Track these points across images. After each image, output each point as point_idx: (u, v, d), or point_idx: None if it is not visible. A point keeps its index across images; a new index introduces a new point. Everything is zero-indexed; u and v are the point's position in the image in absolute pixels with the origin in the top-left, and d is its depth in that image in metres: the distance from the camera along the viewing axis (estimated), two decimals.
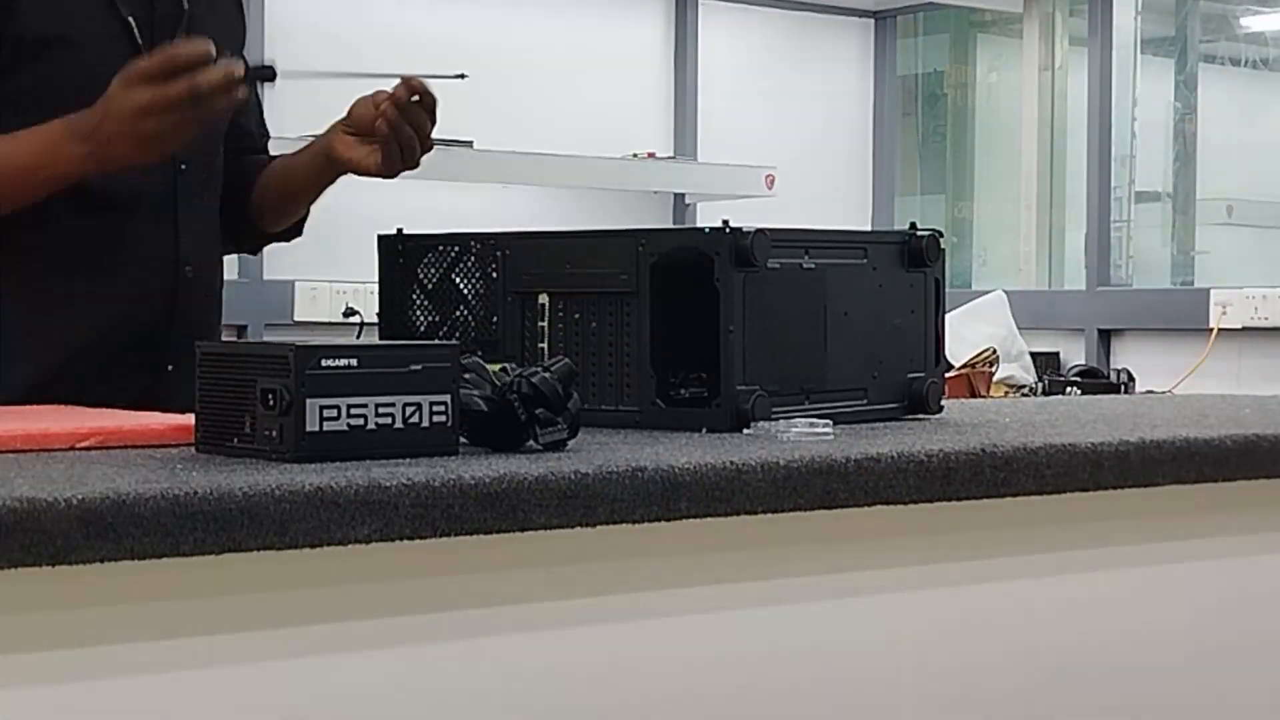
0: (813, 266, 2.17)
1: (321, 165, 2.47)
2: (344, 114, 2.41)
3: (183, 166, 2.40)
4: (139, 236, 2.37)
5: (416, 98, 2.34)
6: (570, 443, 1.81)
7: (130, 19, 2.34)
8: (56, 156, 2.19)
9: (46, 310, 2.33)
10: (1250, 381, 5.49)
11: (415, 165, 2.38)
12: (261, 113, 2.66)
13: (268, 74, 2.20)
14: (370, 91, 2.36)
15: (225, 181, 2.54)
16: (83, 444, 1.78)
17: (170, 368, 2.36)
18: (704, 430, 2.04)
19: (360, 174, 2.41)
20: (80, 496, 1.38)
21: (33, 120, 2.23)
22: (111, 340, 2.35)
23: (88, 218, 2.32)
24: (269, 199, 2.58)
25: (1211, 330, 5.61)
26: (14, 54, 2.27)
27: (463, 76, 2.40)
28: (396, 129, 2.34)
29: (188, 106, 2.11)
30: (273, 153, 2.64)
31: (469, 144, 5.40)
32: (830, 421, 2.02)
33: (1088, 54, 6.12)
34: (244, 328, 5.20)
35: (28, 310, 2.32)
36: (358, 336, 2.46)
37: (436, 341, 2.22)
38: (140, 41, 2.33)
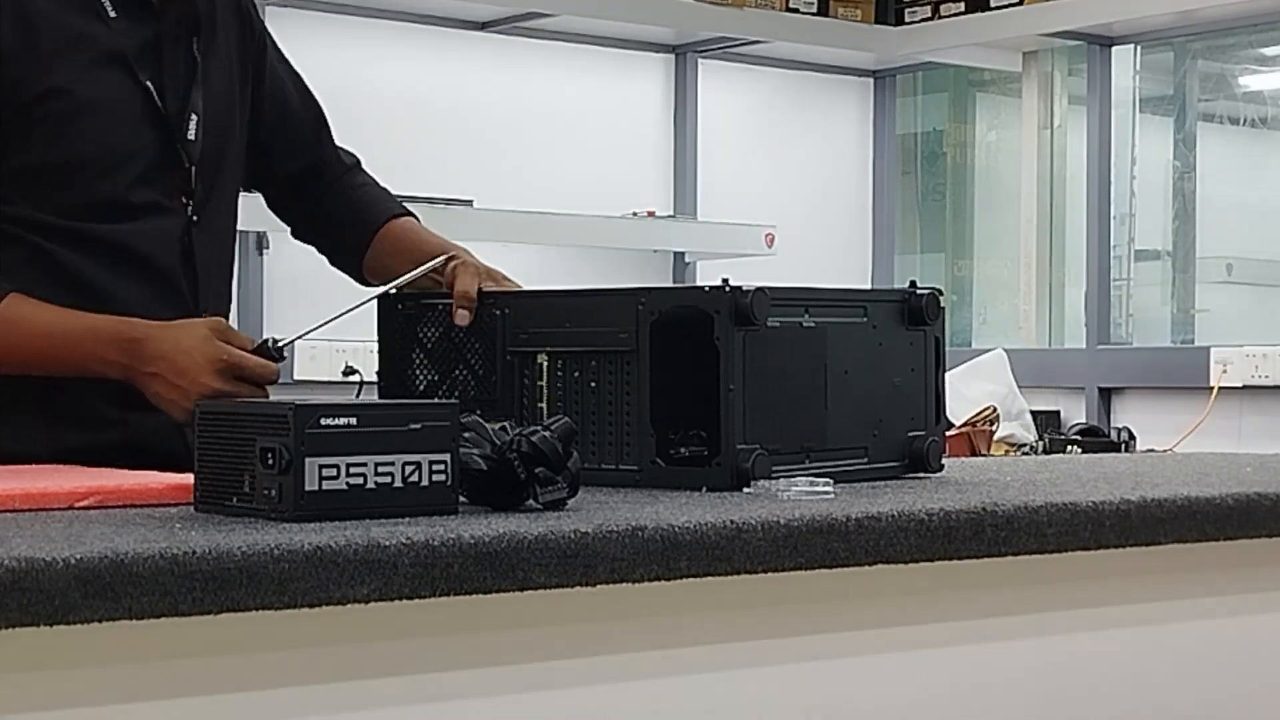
0: (813, 325, 2.17)
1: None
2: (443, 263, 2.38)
3: (195, 219, 2.39)
4: (158, 291, 2.36)
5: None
6: (570, 502, 1.81)
7: (149, 83, 2.33)
8: (91, 350, 2.22)
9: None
10: (1251, 440, 5.48)
11: None
12: (330, 138, 2.66)
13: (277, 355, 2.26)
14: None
15: (334, 214, 2.60)
16: (81, 503, 1.78)
17: None
18: (704, 489, 2.04)
19: None
20: (78, 556, 1.38)
21: (57, 194, 2.25)
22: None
23: (105, 272, 2.32)
24: (378, 268, 2.58)
25: (1212, 389, 5.61)
26: (16, 116, 2.26)
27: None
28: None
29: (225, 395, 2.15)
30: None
31: (469, 203, 5.41)
32: (831, 480, 2.01)
33: (1087, 113, 6.14)
34: None
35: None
36: (357, 395, 2.45)
37: (436, 400, 2.22)
38: (160, 104, 2.34)
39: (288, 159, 2.60)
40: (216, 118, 2.41)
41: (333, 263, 2.67)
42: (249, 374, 2.17)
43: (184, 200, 2.38)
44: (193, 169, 2.37)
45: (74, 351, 2.22)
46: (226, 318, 2.46)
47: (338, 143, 2.67)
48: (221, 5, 2.46)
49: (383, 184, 2.68)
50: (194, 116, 2.37)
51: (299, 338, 2.26)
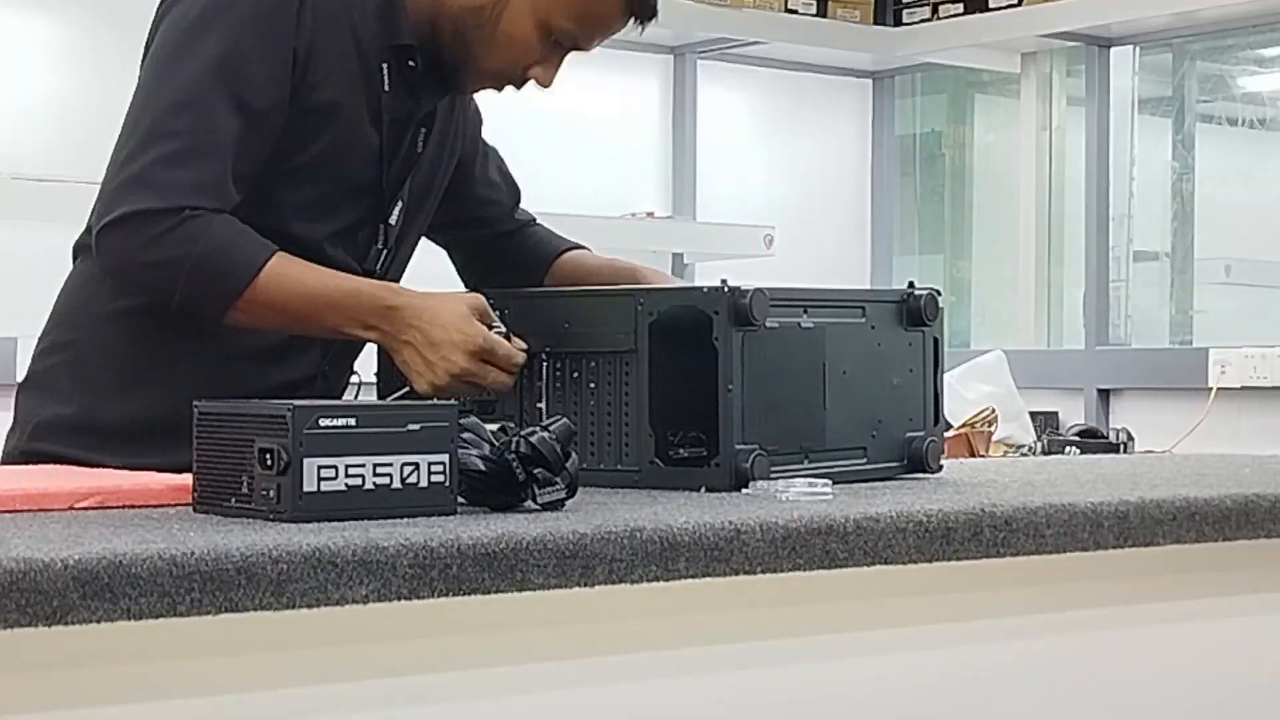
0: (811, 325, 2.17)
1: None
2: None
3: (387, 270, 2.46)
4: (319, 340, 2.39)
5: None
6: (568, 502, 1.81)
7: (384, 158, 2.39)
8: (351, 313, 2.23)
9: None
10: (1249, 441, 5.48)
11: None
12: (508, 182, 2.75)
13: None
14: None
15: (510, 258, 2.66)
16: (81, 504, 1.78)
17: None
18: (703, 490, 2.04)
19: None
20: (77, 557, 1.38)
21: (274, 205, 2.29)
22: None
23: None
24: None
25: (1210, 390, 5.60)
26: (301, 124, 2.30)
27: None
28: None
29: (475, 388, 2.18)
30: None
31: None
32: (829, 481, 2.01)
33: (1085, 114, 6.14)
34: None
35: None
36: (355, 396, 2.46)
37: (434, 401, 2.22)
38: (384, 180, 2.40)
39: (482, 227, 2.70)
40: (413, 212, 2.48)
41: None
42: (499, 358, 2.18)
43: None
44: (385, 251, 2.44)
45: (335, 312, 2.23)
46: (349, 375, 2.51)
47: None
48: (456, 105, 2.55)
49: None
50: (400, 202, 2.44)
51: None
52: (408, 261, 2.55)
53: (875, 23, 6.33)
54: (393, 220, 2.43)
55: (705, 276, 6.14)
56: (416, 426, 1.73)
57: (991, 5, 6.09)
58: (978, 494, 2.04)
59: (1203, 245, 6.22)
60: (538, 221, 2.77)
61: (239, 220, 2.23)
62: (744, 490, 2.03)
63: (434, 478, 1.73)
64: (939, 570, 1.87)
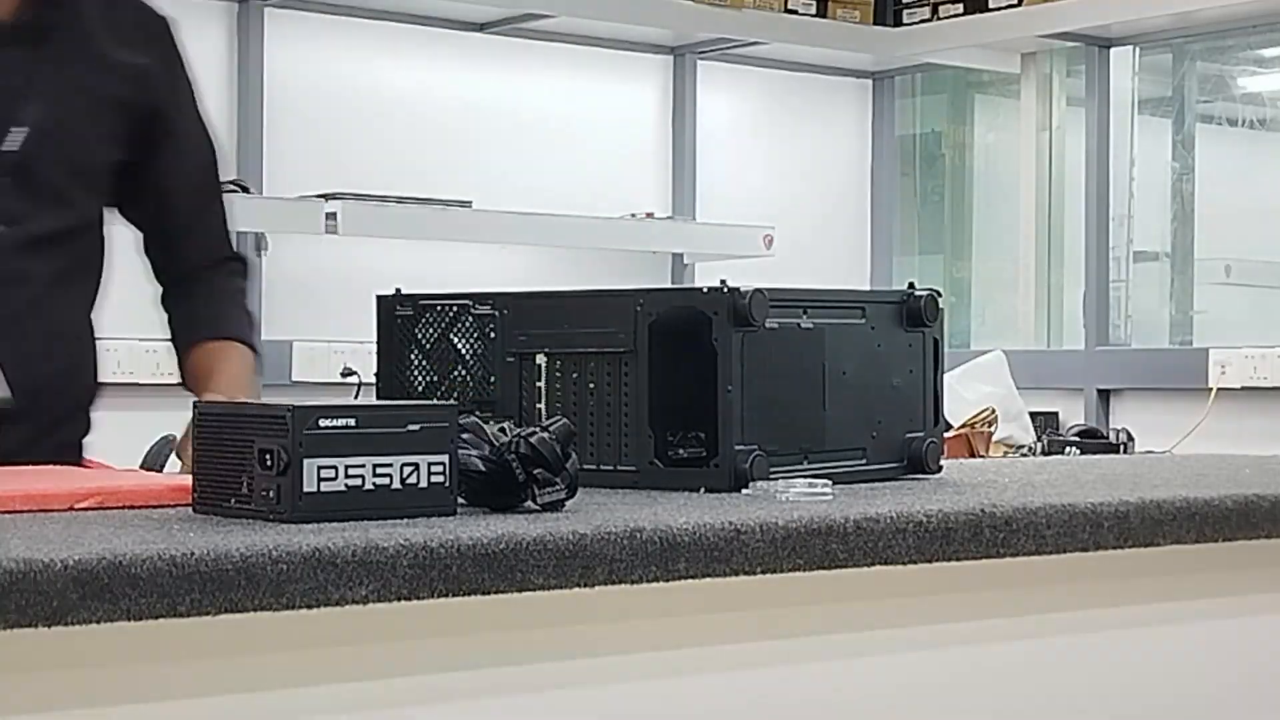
0: (811, 326, 2.17)
1: None
2: None
3: (1, 228, 2.30)
4: None
5: None
6: (568, 503, 1.81)
7: None
8: None
9: None
10: (1249, 441, 5.47)
11: None
12: (225, 227, 2.59)
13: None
14: None
15: (196, 291, 2.52)
16: (81, 504, 1.78)
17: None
18: (702, 490, 2.04)
19: None
20: (76, 557, 1.38)
21: None
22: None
23: None
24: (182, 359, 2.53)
25: (1210, 390, 5.61)
26: None
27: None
28: None
29: None
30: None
31: (468, 204, 5.41)
32: (829, 481, 2.01)
33: (1085, 114, 6.14)
34: None
35: None
36: (355, 397, 2.46)
37: (434, 402, 2.22)
38: None
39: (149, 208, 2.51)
40: (58, 133, 2.31)
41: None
42: None
43: None
44: (6, 180, 2.28)
45: None
46: (79, 350, 2.42)
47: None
48: (106, 23, 2.37)
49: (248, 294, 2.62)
50: (21, 129, 2.28)
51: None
52: (95, 209, 2.40)
53: (875, 23, 6.34)
54: (13, 148, 2.25)
55: (705, 277, 6.15)
56: (416, 427, 1.73)
57: (991, 5, 6.09)
58: (978, 494, 2.04)
59: (1203, 245, 6.23)
60: (241, 279, 2.60)
61: None
62: (743, 491, 2.03)
63: (434, 478, 1.73)
64: (939, 570, 1.87)
